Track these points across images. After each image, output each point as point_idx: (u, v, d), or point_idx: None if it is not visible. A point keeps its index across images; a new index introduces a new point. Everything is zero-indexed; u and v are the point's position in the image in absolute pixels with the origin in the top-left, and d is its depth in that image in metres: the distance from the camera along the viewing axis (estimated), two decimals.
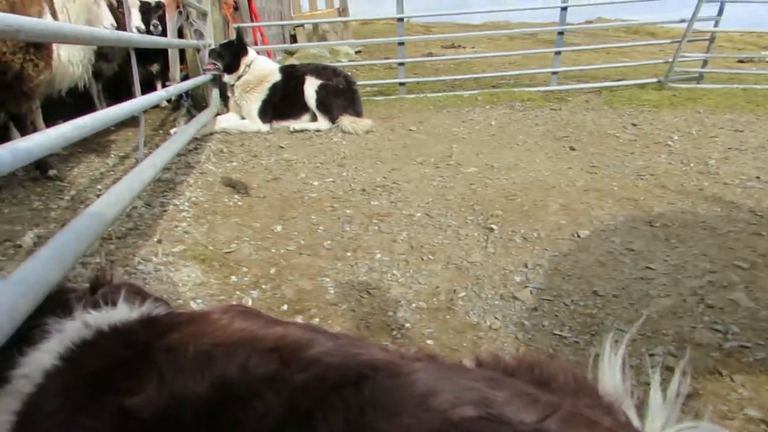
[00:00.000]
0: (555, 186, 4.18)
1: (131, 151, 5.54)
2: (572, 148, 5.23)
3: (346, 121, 6.24)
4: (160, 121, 7.16)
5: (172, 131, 6.21)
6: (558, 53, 8.62)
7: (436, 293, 2.79)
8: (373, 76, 10.33)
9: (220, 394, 1.01)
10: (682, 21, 8.10)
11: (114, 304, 1.32)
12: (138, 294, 1.39)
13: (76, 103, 5.50)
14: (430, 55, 12.91)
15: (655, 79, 8.37)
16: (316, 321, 2.54)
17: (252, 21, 9.48)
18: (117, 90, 7.50)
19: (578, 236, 3.32)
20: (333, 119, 6.39)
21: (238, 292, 2.74)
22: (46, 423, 1.14)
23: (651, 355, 2.21)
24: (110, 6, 5.39)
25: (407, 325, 2.52)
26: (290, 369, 1.01)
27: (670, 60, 8.23)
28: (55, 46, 4.10)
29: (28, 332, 1.34)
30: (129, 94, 7.48)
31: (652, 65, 9.40)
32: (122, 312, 1.31)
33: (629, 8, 32.05)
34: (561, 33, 8.67)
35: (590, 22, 19.62)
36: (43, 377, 1.20)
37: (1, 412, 1.22)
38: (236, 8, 8.44)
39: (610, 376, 1.05)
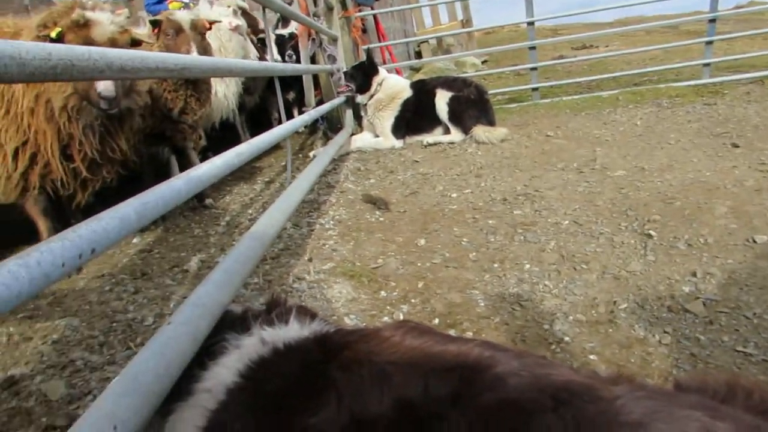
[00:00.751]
0: (719, 186, 3.81)
1: (275, 176, 5.83)
2: (735, 145, 4.76)
3: (480, 131, 6.15)
4: (299, 145, 7.49)
5: (311, 154, 6.48)
6: (710, 43, 7.90)
7: (594, 305, 2.62)
8: (503, 84, 10.14)
9: (402, 415, 0.98)
10: None
11: (286, 322, 1.35)
12: (307, 313, 1.41)
13: (222, 135, 5.89)
14: (561, 57, 12.46)
15: None
16: (469, 335, 2.47)
17: (379, 41, 9.68)
18: (257, 121, 7.98)
19: (754, 241, 2.98)
20: (466, 130, 6.32)
21: (388, 307, 2.74)
22: None
23: None
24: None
25: (566, 338, 2.39)
26: (473, 389, 0.95)
27: None
28: (212, 81, 4.45)
29: (209, 347, 1.40)
30: (268, 124, 7.96)
31: None
32: (294, 330, 1.33)
33: None
34: (713, 20, 7.89)
35: (740, 7, 17.99)
36: (225, 394, 1.24)
37: (188, 427, 1.28)
38: (364, 30, 8.66)
39: None
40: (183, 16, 4.10)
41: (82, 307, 2.89)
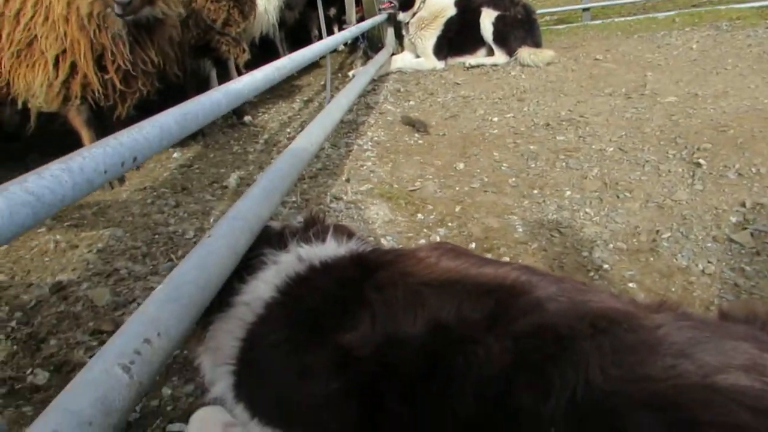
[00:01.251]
0: None
1: (314, 95, 5.76)
2: None
3: (525, 53, 5.92)
4: (338, 64, 7.36)
5: (350, 73, 6.36)
6: None
7: (635, 233, 2.56)
8: (551, 3, 9.67)
9: (436, 338, 0.98)
10: None
11: (323, 240, 1.35)
12: (345, 232, 1.41)
13: (260, 51, 5.81)
14: None
15: None
16: (505, 260, 2.46)
17: None
18: (296, 37, 7.82)
19: None
20: (511, 52, 6.09)
21: (425, 230, 2.74)
22: (269, 354, 1.19)
23: None
24: None
25: (605, 266, 2.35)
26: (510, 314, 0.94)
27: None
28: None
29: (248, 262, 1.42)
30: (308, 41, 7.80)
31: None
32: (331, 248, 1.33)
33: None
34: None
35: None
36: (263, 308, 1.27)
37: (228, 337, 1.32)
38: None
39: None
40: None
41: (125, 218, 2.97)
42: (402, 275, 1.16)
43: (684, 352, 0.72)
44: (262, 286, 1.31)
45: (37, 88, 3.17)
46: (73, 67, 3.14)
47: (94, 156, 0.98)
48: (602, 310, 0.85)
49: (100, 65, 3.16)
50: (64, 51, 3.10)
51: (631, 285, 2.21)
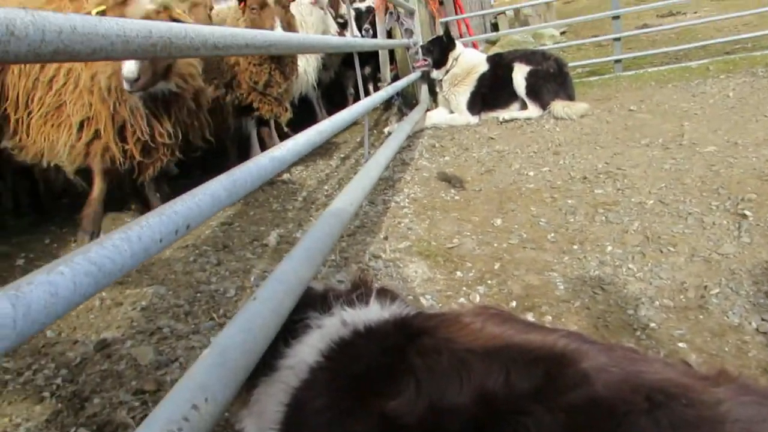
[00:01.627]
0: None
1: (350, 152, 5.87)
2: None
3: (559, 106, 5.95)
4: (373, 120, 7.49)
5: (386, 130, 6.47)
6: None
7: (682, 289, 2.50)
8: (582, 55, 9.76)
9: (483, 408, 0.96)
10: None
11: (367, 303, 1.35)
12: (387, 294, 1.41)
13: (298, 110, 5.98)
14: (645, 26, 11.82)
15: None
16: (548, 319, 2.42)
17: (456, 13, 9.48)
18: (330, 95, 8.02)
19: None
20: (544, 105, 6.13)
21: (464, 288, 2.72)
22: (314, 420, 1.19)
23: None
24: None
25: (652, 325, 2.29)
26: (559, 385, 0.92)
27: None
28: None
29: (293, 325, 1.43)
30: (343, 98, 7.99)
31: None
32: (375, 311, 1.34)
33: None
34: None
35: None
36: (307, 372, 1.27)
37: (272, 402, 1.32)
38: (441, 2, 8.52)
39: None
40: None
41: (168, 276, 3.03)
42: (446, 341, 1.15)
43: (749, 431, 0.70)
44: (307, 350, 1.32)
45: (60, 147, 3.37)
46: (97, 133, 3.32)
47: (151, 225, 1.02)
48: (658, 381, 0.83)
49: (121, 135, 3.33)
50: (89, 118, 3.29)
51: (681, 345, 2.14)
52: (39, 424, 1.91)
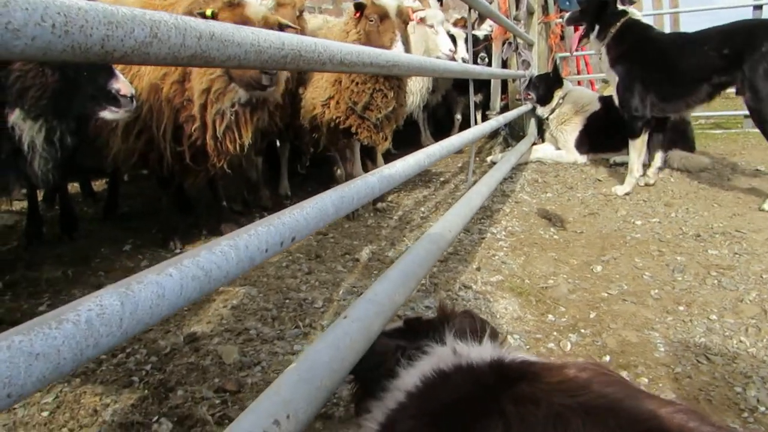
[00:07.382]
0: None
1: (450, 176, 5.83)
2: None
3: (676, 156, 5.64)
4: (477, 148, 7.41)
5: (488, 159, 6.40)
6: None
7: None
8: (708, 107, 9.20)
9: None
10: None
11: (479, 339, 1.32)
12: (497, 336, 1.37)
13: (402, 130, 5.98)
14: None
15: None
16: (643, 381, 2.25)
17: (576, 50, 9.24)
18: (437, 119, 8.02)
19: None
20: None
21: (555, 333, 2.59)
22: None
23: None
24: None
25: (762, 408, 2.08)
26: None
27: None
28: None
29: (409, 351, 1.42)
30: (450, 123, 7.96)
31: None
32: (485, 350, 1.30)
33: None
34: None
35: None
36: (404, 396, 1.26)
37: (373, 420, 1.32)
38: (562, 37, 8.35)
39: None
40: (389, 2, 3.84)
41: (261, 278, 3.09)
42: (546, 393, 1.08)
43: None
44: (412, 375, 1.31)
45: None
46: (150, 141, 3.38)
47: (259, 234, 1.02)
48: None
49: (176, 137, 3.32)
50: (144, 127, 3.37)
51: None
52: (125, 408, 1.97)
